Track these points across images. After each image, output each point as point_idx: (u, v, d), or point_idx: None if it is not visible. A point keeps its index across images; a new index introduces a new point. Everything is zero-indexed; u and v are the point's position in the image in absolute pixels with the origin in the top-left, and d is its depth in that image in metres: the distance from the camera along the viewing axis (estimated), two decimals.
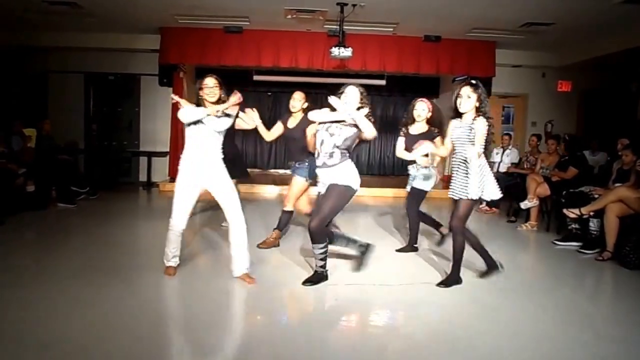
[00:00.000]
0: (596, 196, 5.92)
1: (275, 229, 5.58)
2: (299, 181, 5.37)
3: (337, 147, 4.11)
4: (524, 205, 7.04)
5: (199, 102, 4.27)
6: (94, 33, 9.81)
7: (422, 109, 5.40)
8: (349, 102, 4.08)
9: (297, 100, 5.35)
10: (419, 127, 5.41)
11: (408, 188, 5.70)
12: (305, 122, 5.02)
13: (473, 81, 4.31)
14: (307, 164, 5.22)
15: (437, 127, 5.40)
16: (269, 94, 13.07)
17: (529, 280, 4.96)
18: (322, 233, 4.20)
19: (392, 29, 9.52)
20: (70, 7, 8.09)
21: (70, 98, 10.87)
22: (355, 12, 7.97)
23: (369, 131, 4.11)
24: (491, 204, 8.22)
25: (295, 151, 5.37)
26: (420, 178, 5.49)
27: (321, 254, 4.28)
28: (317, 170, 4.28)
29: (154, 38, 9.91)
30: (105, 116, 11.17)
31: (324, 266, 4.37)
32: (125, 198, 9.25)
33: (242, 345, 3.26)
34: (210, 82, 4.23)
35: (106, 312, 3.64)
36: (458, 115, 4.36)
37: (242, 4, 8.13)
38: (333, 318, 3.83)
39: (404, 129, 5.38)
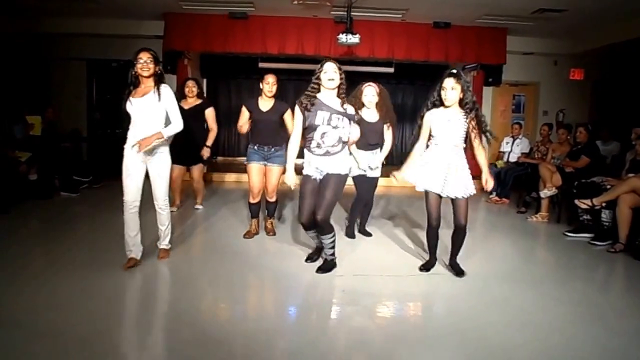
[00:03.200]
0: (608, 187, 5.81)
1: (267, 216, 5.73)
2: (277, 171, 5.36)
3: (341, 138, 4.12)
4: (543, 194, 6.88)
5: (131, 78, 4.18)
6: (96, 19, 9.68)
7: (372, 94, 5.23)
8: (334, 79, 4.04)
9: (273, 85, 5.26)
10: (371, 114, 5.29)
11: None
12: (281, 106, 5.30)
13: (454, 71, 4.19)
14: (283, 148, 5.17)
15: (384, 114, 5.29)
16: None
17: (540, 272, 4.85)
18: (329, 223, 4.21)
19: (400, 15, 9.37)
20: None
21: (72, 86, 10.77)
22: None
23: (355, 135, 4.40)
24: (501, 194, 8.11)
25: (270, 135, 5.28)
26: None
27: (330, 242, 4.31)
28: (315, 158, 4.15)
29: (158, 24, 9.78)
30: (109, 104, 10.94)
31: (333, 254, 4.41)
32: None
33: (251, 338, 3.17)
34: (144, 56, 4.09)
35: (109, 301, 3.61)
36: (440, 106, 4.28)
37: None
38: (341, 309, 3.77)
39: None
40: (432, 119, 4.27)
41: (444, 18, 9.59)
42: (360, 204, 5.59)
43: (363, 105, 5.24)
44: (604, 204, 5.66)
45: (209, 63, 11.49)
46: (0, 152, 6.81)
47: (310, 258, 4.71)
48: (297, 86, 10.08)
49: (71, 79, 10.75)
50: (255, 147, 5.35)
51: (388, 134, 5.37)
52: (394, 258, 4.99)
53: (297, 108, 4.16)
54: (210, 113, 6.51)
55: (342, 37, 8.00)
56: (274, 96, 5.31)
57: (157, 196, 4.41)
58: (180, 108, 5.55)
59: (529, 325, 3.50)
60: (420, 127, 4.39)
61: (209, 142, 6.45)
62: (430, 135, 4.32)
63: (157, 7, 9.10)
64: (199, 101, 6.53)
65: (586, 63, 10.86)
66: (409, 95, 13.21)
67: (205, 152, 6.44)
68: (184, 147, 5.95)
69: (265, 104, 5.30)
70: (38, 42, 10.15)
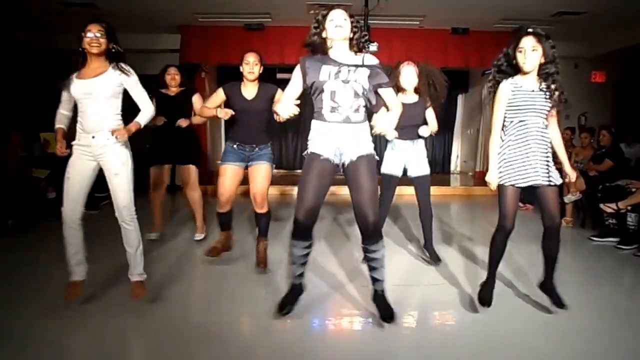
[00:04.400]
0: (634, 190, 5.70)
1: (260, 237, 4.59)
2: (269, 170, 4.36)
3: (362, 96, 3.15)
4: (567, 199, 6.78)
5: (77, 58, 3.47)
6: None
7: (412, 74, 4.53)
8: (342, 27, 3.12)
9: (255, 64, 4.25)
10: (409, 94, 4.58)
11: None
12: (268, 90, 4.33)
13: (532, 29, 3.36)
14: (270, 146, 4.42)
15: (426, 96, 4.61)
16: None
17: (565, 277, 4.73)
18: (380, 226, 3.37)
19: (418, 22, 9.38)
20: (87, 8, 8.13)
21: None
22: (380, 5, 7.83)
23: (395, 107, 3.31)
24: (525, 200, 7.99)
25: (255, 130, 4.30)
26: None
27: (384, 256, 3.35)
28: (332, 129, 3.15)
29: (174, 37, 9.90)
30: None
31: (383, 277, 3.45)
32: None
33: (271, 349, 3.15)
34: (93, 28, 3.37)
35: (132, 323, 3.51)
36: (513, 74, 3.42)
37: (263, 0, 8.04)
38: (364, 320, 3.66)
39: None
40: (509, 89, 3.36)
41: (462, 24, 9.56)
42: (381, 210, 4.36)
43: (402, 88, 4.51)
44: (629, 208, 5.57)
45: (226, 75, 11.55)
46: (21, 171, 6.89)
47: (285, 306, 3.47)
48: None
49: None
50: (235, 146, 4.32)
51: (430, 115, 4.63)
52: (418, 267, 4.92)
53: (297, 67, 3.29)
54: (198, 99, 5.28)
55: None
56: (258, 80, 4.33)
57: (118, 204, 3.50)
58: (165, 95, 5.25)
59: (556, 331, 3.43)
60: (493, 102, 3.46)
61: (196, 122, 5.35)
62: (507, 113, 3.42)
63: (173, 20, 9.23)
64: (183, 88, 5.39)
65: (607, 65, 10.73)
66: None
67: (183, 122, 5.14)
68: (169, 142, 5.16)
69: (249, 90, 4.29)
70: (56, 58, 10.29)
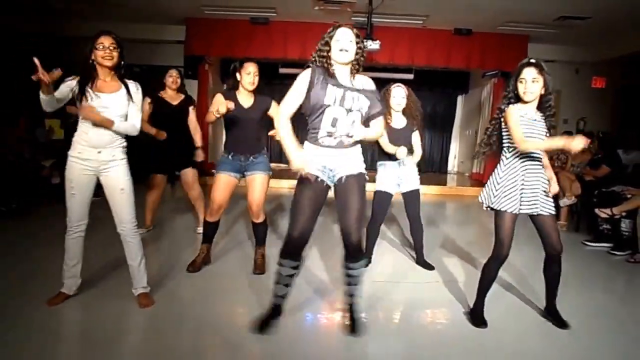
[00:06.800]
0: (629, 196, 5.75)
1: (257, 246, 4.64)
2: (265, 179, 4.37)
3: (358, 124, 3.07)
4: (562, 202, 6.84)
5: (88, 67, 3.36)
6: (118, 23, 9.71)
7: (401, 96, 4.62)
8: (348, 51, 2.97)
9: (255, 75, 4.29)
10: (398, 119, 4.66)
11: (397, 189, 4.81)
12: (264, 101, 4.35)
13: (533, 60, 3.34)
14: (265, 154, 4.42)
15: (413, 119, 4.68)
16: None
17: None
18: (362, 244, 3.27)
19: (421, 22, 9.40)
20: None
21: None
22: (385, 3, 7.86)
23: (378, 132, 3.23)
24: None
25: (250, 140, 4.30)
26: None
27: (362, 274, 3.32)
28: (324, 152, 3.06)
29: (179, 29, 9.94)
30: None
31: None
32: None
33: (267, 344, 3.18)
34: (106, 41, 3.30)
35: (131, 307, 3.57)
36: (515, 102, 3.41)
37: None
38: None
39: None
40: (519, 114, 3.33)
41: (465, 24, 9.59)
42: (375, 225, 4.78)
43: (391, 108, 4.61)
44: (623, 213, 5.63)
45: (229, 68, 11.56)
46: (23, 155, 6.95)
47: (264, 328, 3.31)
48: None
49: None
50: (230, 157, 4.33)
51: (417, 140, 4.74)
52: (413, 265, 4.97)
53: (307, 71, 3.05)
54: (193, 110, 5.44)
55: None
56: (255, 90, 4.34)
57: (122, 218, 3.49)
58: (166, 103, 5.24)
59: (548, 334, 3.47)
60: (495, 128, 3.50)
61: (201, 143, 5.49)
62: (510, 141, 3.38)
63: (179, 11, 9.25)
64: (182, 96, 5.44)
65: (608, 71, 10.77)
66: (428, 102, 13.18)
67: (201, 155, 5.46)
68: (169, 150, 5.25)
69: (246, 99, 4.30)
70: (62, 45, 10.31)
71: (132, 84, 3.49)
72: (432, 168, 13.41)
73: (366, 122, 3.13)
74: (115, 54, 3.33)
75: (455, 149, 13.65)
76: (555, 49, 10.58)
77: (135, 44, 10.34)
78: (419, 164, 4.80)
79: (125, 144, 3.54)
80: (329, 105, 2.96)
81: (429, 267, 4.86)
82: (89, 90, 3.31)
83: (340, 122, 2.99)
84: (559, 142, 3.13)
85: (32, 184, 6.77)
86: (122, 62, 3.42)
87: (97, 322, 3.32)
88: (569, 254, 5.82)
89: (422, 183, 4.81)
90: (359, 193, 3.09)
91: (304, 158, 2.93)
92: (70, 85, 3.33)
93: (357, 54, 3.03)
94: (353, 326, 3.36)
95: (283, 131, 2.98)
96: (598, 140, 7.22)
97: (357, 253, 3.15)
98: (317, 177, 3.06)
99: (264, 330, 3.27)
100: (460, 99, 13.37)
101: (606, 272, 5.18)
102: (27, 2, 8.58)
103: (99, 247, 4.52)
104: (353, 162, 3.12)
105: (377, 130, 3.18)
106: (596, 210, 5.92)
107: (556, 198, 6.77)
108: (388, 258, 5.16)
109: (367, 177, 3.19)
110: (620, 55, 9.79)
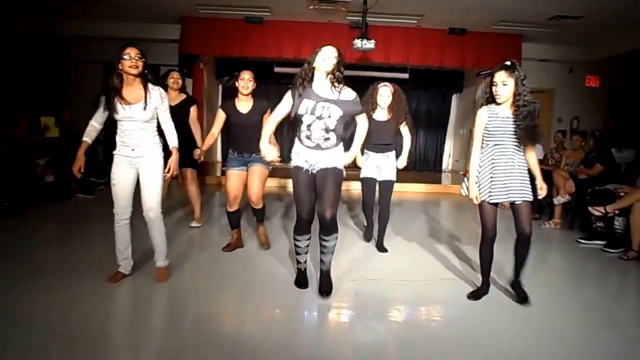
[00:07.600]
0: (622, 194, 5.78)
1: (257, 223, 5.28)
2: (263, 172, 4.90)
3: (332, 130, 3.68)
4: (556, 200, 6.88)
5: (112, 79, 3.70)
6: (114, 22, 9.82)
7: (387, 94, 5.02)
8: (330, 58, 3.64)
9: (249, 81, 4.78)
10: (381, 113, 5.09)
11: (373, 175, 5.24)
12: (261, 106, 4.85)
13: (508, 63, 3.69)
14: None
15: (396, 114, 5.06)
16: (290, 86, 12.89)
17: (552, 278, 4.84)
18: (336, 220, 3.83)
19: (416, 21, 9.42)
20: None
21: (90, 88, 10.81)
22: (379, 3, 7.86)
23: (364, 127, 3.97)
24: None
25: (250, 140, 4.56)
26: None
27: (334, 246, 3.92)
28: (305, 150, 3.75)
29: (175, 28, 9.92)
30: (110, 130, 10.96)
31: (330, 264, 4.04)
32: None
33: (261, 340, 3.20)
34: (132, 52, 3.64)
35: (124, 305, 3.63)
36: (492, 102, 3.80)
37: None
38: (354, 313, 3.76)
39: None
40: (486, 115, 3.77)
41: (459, 24, 9.61)
42: (368, 209, 5.39)
43: (377, 105, 5.04)
44: (617, 211, 5.67)
45: (224, 67, 11.56)
46: (22, 155, 6.94)
47: (301, 285, 4.13)
48: None
49: (89, 81, 10.84)
50: (235, 154, 4.93)
51: (406, 133, 5.22)
52: (408, 263, 5.01)
53: (288, 93, 3.78)
54: (195, 110, 5.72)
55: (357, 43, 8.04)
56: (252, 95, 4.85)
57: (150, 205, 3.88)
58: None
59: (542, 331, 3.49)
60: (473, 127, 3.94)
61: (201, 143, 5.56)
62: (484, 136, 3.82)
63: (175, 10, 9.24)
64: (184, 96, 5.74)
65: (602, 70, 10.83)
66: (423, 101, 13.27)
67: (197, 153, 5.40)
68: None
69: (244, 104, 4.85)
70: (58, 44, 10.31)
71: (155, 92, 3.83)
72: (427, 166, 13.43)
73: (353, 119, 3.88)
74: (140, 63, 3.68)
75: (449, 147, 13.66)
76: (549, 48, 10.63)
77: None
78: (413, 162, 4.93)
79: (156, 140, 3.94)
80: (302, 114, 3.68)
81: (384, 250, 5.31)
82: (117, 102, 3.69)
83: (313, 127, 3.68)
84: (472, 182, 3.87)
85: (26, 182, 6.76)
86: (146, 71, 3.76)
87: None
88: (562, 251, 5.94)
89: (417, 181, 4.93)
90: (333, 182, 3.74)
91: (269, 149, 3.82)
92: (101, 101, 3.76)
93: (335, 65, 3.65)
94: (321, 289, 3.98)
95: (265, 130, 3.92)
96: (594, 139, 7.23)
97: (329, 227, 3.80)
98: (303, 167, 3.78)
99: (302, 286, 4.09)
100: (454, 98, 13.40)
101: (599, 269, 5.20)
102: (27, 2, 8.55)
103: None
104: (329, 159, 3.75)
105: (362, 126, 3.96)
106: (590, 209, 5.95)
107: (550, 197, 6.85)
108: (382, 257, 5.18)
109: (344, 173, 3.88)
110: (613, 54, 9.84)
